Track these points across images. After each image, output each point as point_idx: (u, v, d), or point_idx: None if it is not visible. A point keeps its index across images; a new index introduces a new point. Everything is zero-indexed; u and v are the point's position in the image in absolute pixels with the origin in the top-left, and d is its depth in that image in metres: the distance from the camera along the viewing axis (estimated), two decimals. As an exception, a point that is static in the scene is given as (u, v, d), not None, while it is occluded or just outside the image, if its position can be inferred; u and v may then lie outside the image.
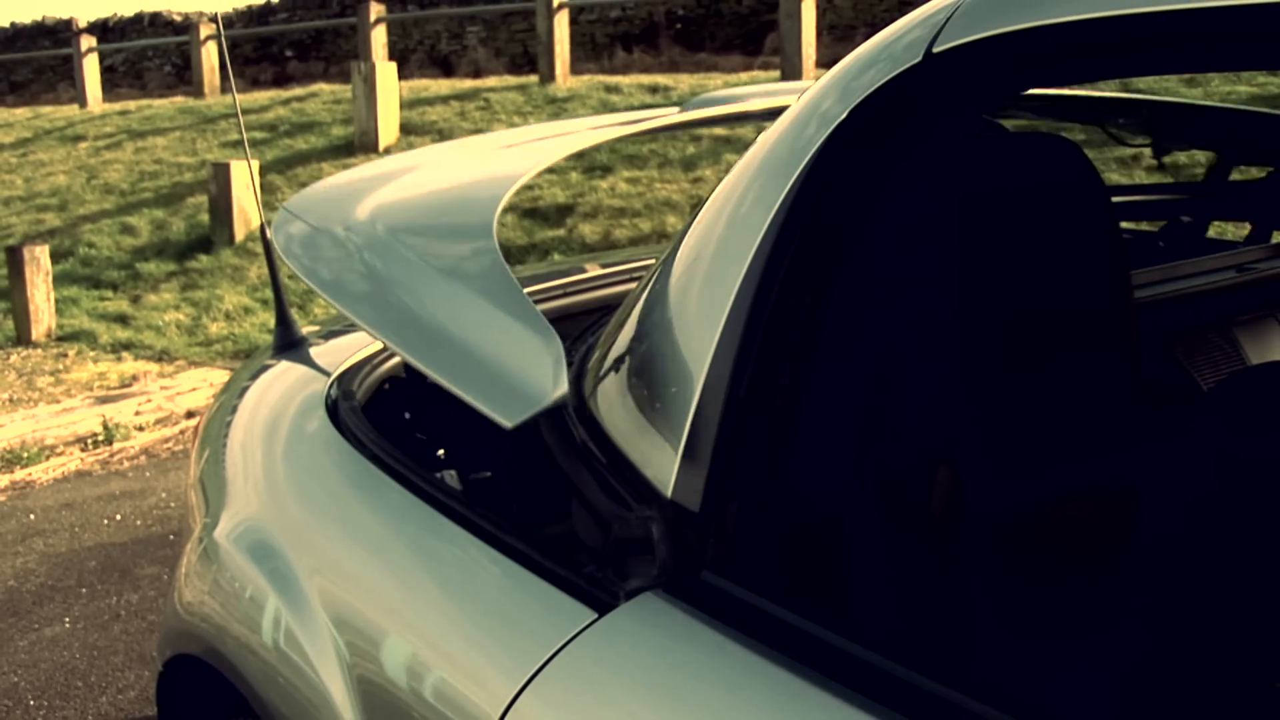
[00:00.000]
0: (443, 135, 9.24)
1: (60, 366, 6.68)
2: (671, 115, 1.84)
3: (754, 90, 1.99)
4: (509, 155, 1.75)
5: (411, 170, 1.74)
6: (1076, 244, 1.19)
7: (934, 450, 1.15)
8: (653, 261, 2.15)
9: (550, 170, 8.21)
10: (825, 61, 9.80)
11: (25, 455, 4.99)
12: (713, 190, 1.20)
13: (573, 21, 11.44)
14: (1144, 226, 2.44)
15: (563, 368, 1.13)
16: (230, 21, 16.51)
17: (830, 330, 1.15)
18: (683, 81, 9.37)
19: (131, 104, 13.23)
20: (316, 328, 2.05)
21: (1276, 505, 0.87)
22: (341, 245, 1.52)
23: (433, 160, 1.81)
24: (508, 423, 1.11)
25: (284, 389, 1.74)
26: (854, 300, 1.19)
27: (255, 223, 8.41)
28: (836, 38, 12.11)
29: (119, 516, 4.24)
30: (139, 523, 4.17)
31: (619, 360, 1.25)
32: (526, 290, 1.93)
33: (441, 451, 1.55)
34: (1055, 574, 1.20)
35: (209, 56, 12.99)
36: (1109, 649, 1.09)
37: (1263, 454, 0.89)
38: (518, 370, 1.17)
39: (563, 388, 1.11)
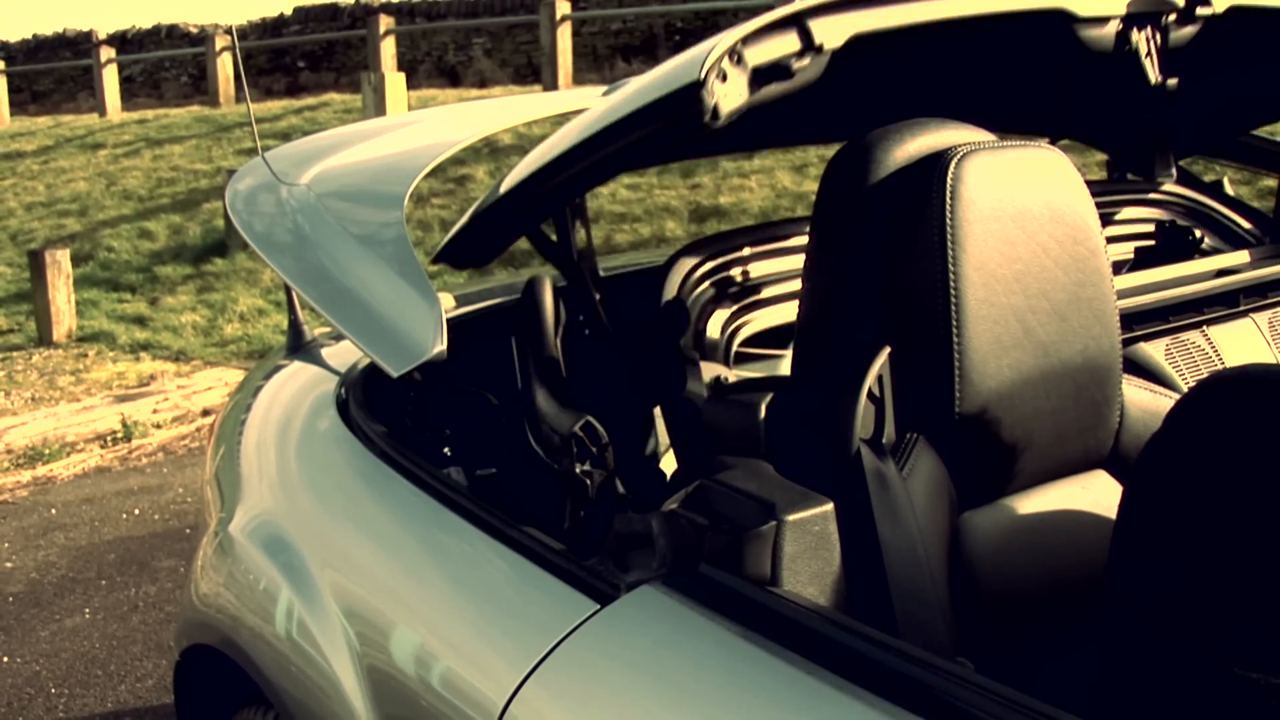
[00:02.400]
0: (449, 143, 9.24)
1: (80, 366, 6.68)
2: (597, 97, 1.92)
3: None
4: (453, 126, 1.81)
5: (389, 132, 1.83)
6: (1066, 248, 1.19)
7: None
8: (650, 264, 2.15)
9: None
10: (818, 72, 9.79)
11: (47, 452, 4.99)
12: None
13: (575, 34, 11.43)
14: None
15: (442, 328, 1.26)
16: (244, 33, 16.50)
17: (823, 341, 1.16)
18: (681, 91, 9.35)
19: (149, 113, 13.23)
20: (328, 329, 2.05)
21: (1251, 497, 0.87)
22: (281, 204, 1.62)
23: (428, 119, 1.89)
24: (394, 372, 1.26)
25: (296, 388, 1.74)
26: (845, 301, 1.19)
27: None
28: (829, 49, 12.10)
29: (137, 511, 4.24)
30: (157, 517, 4.17)
31: None
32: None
33: (447, 449, 1.55)
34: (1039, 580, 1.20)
35: (224, 67, 12.99)
36: (1091, 639, 1.09)
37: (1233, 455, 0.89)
38: (405, 329, 1.30)
39: (440, 345, 1.24)
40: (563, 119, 1.66)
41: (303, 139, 1.87)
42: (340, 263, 1.44)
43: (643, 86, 1.13)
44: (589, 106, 1.87)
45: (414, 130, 1.81)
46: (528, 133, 9.00)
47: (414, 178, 1.54)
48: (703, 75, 1.04)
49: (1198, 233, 2.09)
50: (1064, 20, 1.32)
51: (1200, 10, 1.55)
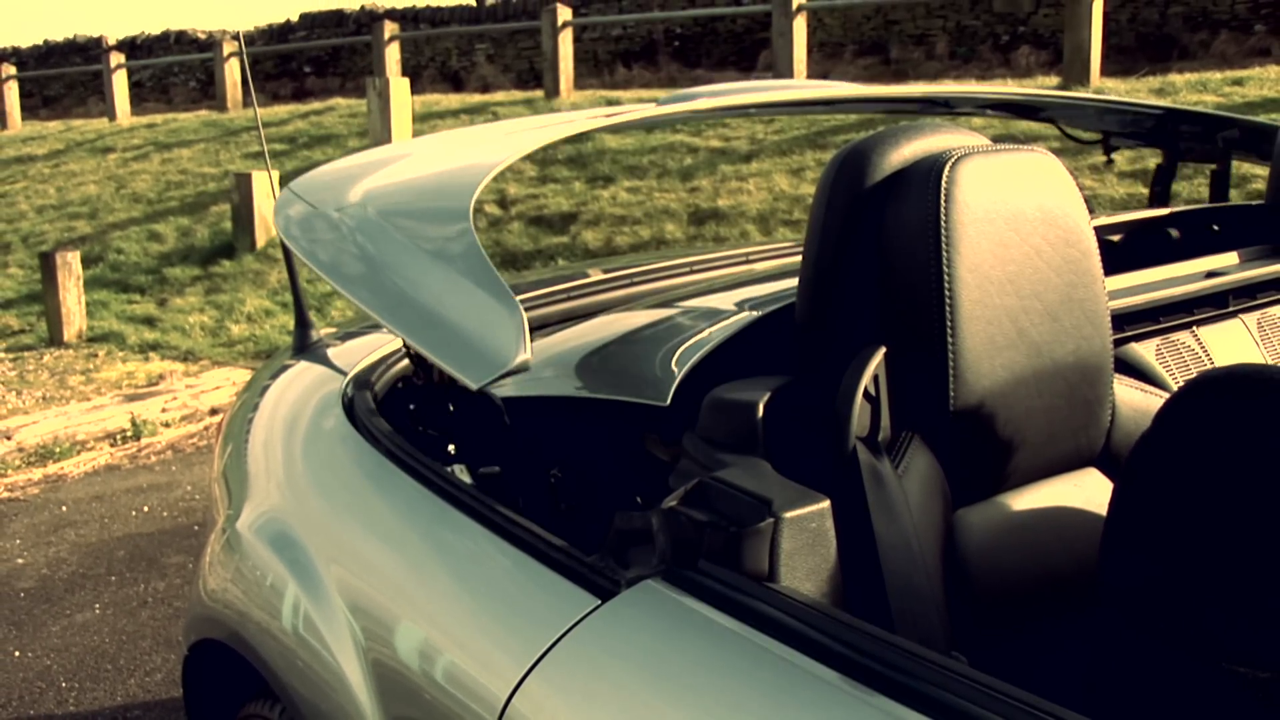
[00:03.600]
0: (453, 147, 9.24)
1: (91, 366, 6.68)
2: (648, 110, 1.86)
3: (725, 88, 2.01)
4: (492, 144, 1.76)
5: (405, 156, 1.76)
6: (1058, 250, 1.19)
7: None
8: (651, 267, 2.15)
9: (555, 180, 8.21)
10: (815, 77, 9.79)
11: (58, 450, 4.99)
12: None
13: (576, 39, 11.43)
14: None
15: (524, 337, 1.19)
16: (252, 39, 16.50)
17: (836, 330, 1.16)
18: (680, 96, 9.36)
19: (158, 117, 13.22)
20: (334, 330, 2.05)
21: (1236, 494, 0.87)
22: (336, 227, 1.55)
23: (425, 147, 1.83)
24: (473, 385, 1.19)
25: (303, 388, 1.74)
26: (848, 298, 1.19)
27: (275, 230, 8.41)
28: (826, 54, 12.11)
29: (146, 508, 4.24)
30: (165, 514, 4.17)
31: None
32: (532, 294, 1.93)
33: (452, 447, 1.55)
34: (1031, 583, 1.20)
35: (231, 72, 12.98)
36: (1082, 633, 1.09)
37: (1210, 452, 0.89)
38: (486, 339, 1.23)
39: (524, 354, 1.18)
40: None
41: (321, 167, 1.82)
42: (412, 280, 1.38)
43: (616, 382, 1.38)
44: (595, 124, 1.82)
45: (439, 152, 1.77)
46: (530, 137, 8.99)
47: (474, 190, 1.48)
48: (669, 401, 1.27)
49: (1174, 233, 2.10)
50: None
51: None
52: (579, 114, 1.95)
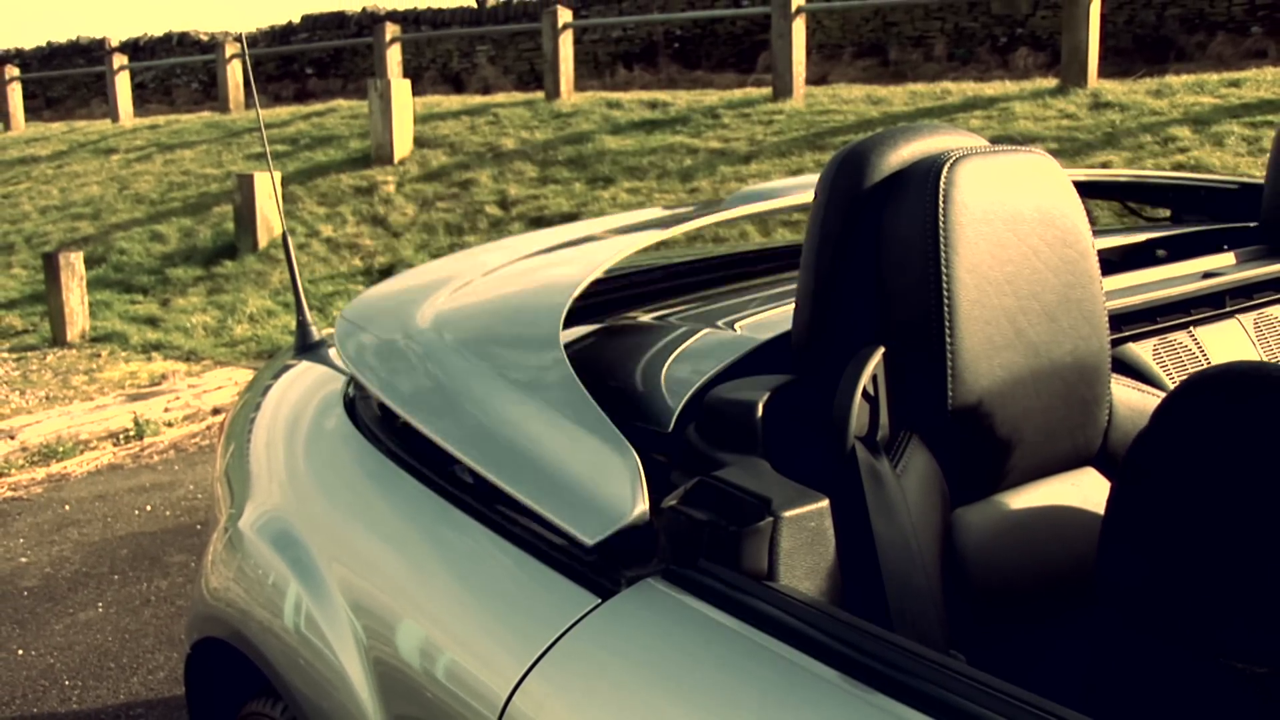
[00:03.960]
0: (454, 148, 9.24)
1: (94, 366, 6.68)
2: (715, 213, 1.76)
3: (793, 184, 1.98)
4: (558, 258, 1.64)
5: (459, 275, 1.64)
6: (1056, 251, 1.19)
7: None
8: (650, 266, 2.15)
9: (555, 180, 8.21)
10: (813, 79, 9.80)
11: (61, 450, 4.99)
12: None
13: (576, 41, 11.43)
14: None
15: (641, 484, 1.06)
16: (254, 41, 16.50)
17: (840, 328, 1.16)
18: (680, 97, 9.37)
19: (161, 119, 13.23)
20: (334, 329, 2.05)
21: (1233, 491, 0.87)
22: (405, 356, 1.44)
23: (476, 262, 1.71)
24: (588, 540, 1.05)
25: (304, 387, 1.74)
26: (850, 299, 1.19)
27: (277, 231, 8.42)
28: (825, 56, 12.11)
29: (149, 507, 4.25)
30: (168, 513, 4.17)
31: None
32: None
33: None
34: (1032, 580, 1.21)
35: (234, 74, 12.99)
36: (1080, 631, 1.09)
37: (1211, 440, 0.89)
38: (596, 487, 1.10)
39: (641, 505, 1.05)
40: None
41: (370, 291, 1.72)
42: (500, 415, 1.25)
43: (618, 403, 1.31)
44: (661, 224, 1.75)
45: (501, 270, 1.64)
46: (530, 138, 9.00)
47: (560, 313, 1.35)
48: (671, 428, 1.25)
49: (1160, 252, 2.10)
50: None
51: None
52: (646, 215, 1.87)
